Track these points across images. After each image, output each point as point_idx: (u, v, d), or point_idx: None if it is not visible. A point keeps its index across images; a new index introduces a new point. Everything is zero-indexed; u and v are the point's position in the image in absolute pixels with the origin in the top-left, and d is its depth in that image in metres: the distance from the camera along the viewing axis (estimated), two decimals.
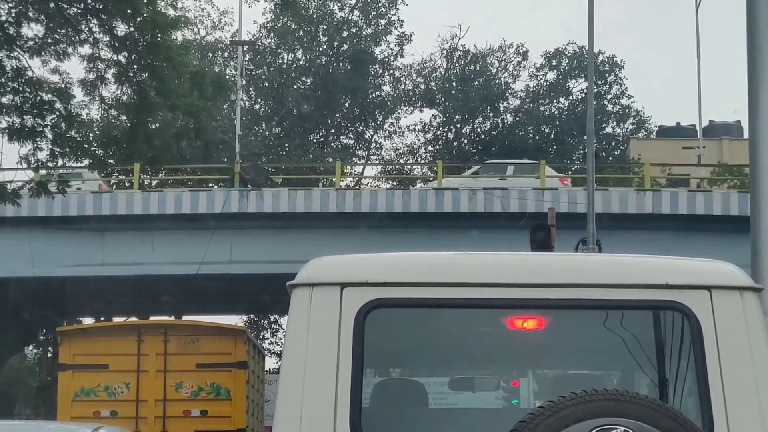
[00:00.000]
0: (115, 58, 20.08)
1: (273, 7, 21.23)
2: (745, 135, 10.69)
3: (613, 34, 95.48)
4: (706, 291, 4.54)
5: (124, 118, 21.72)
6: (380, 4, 62.23)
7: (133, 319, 43.75)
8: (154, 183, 42.87)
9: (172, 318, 37.48)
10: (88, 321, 48.41)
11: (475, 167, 41.80)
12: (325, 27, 61.79)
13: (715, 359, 4.46)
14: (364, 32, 62.58)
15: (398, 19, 62.65)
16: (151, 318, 38.72)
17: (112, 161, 24.24)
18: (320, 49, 62.41)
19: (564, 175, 39.32)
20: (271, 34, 62.40)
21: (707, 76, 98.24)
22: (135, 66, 19.93)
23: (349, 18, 61.93)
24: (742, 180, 36.28)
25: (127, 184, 37.48)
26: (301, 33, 61.72)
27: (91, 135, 22.12)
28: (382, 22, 62.68)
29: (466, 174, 40.01)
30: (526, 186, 34.71)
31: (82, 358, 21.02)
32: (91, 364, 20.96)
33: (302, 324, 4.56)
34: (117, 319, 45.25)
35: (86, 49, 20.21)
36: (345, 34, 62.18)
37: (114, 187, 37.93)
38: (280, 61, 62.98)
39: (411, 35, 63.38)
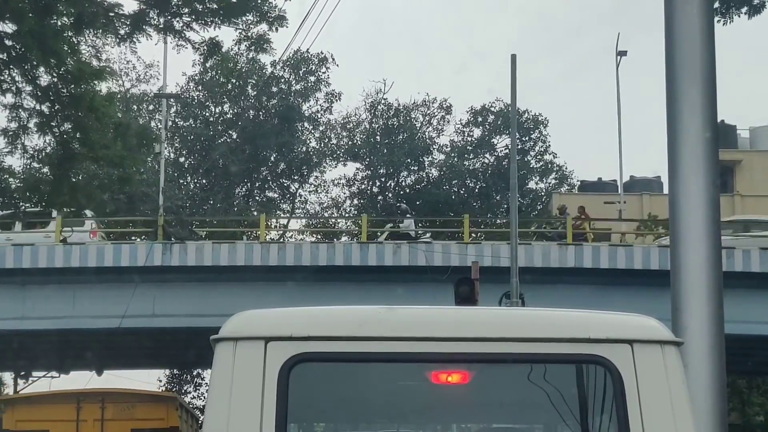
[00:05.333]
0: (38, 107, 19.91)
1: (200, 58, 21.21)
2: (665, 190, 10.87)
3: (538, 93, 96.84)
4: (627, 345, 4.58)
5: (46, 170, 21.51)
6: (310, 62, 62.52)
7: (54, 373, 43.18)
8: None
9: (95, 370, 37.68)
10: (7, 375, 47.55)
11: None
12: (254, 81, 61.87)
13: (637, 412, 4.50)
14: (293, 88, 62.76)
15: (327, 77, 63.03)
16: (72, 372, 38.45)
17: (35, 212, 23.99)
18: (248, 103, 62.43)
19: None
20: (199, 87, 62.33)
21: (628, 132, 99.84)
22: (58, 116, 19.77)
23: (279, 74, 62.09)
24: (667, 233, 36.72)
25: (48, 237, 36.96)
26: (229, 86, 61.73)
27: (13, 185, 21.89)
28: (312, 79, 62.94)
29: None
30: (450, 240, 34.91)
31: (24, 424, 22.69)
32: (33, 430, 22.60)
33: (226, 378, 4.53)
34: (37, 374, 44.54)
35: (8, 98, 20.03)
36: (274, 89, 62.29)
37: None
38: (207, 114, 62.88)
39: (339, 94, 63.78)
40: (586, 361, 4.67)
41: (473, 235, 41.67)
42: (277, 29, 20.22)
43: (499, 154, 65.60)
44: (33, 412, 22.98)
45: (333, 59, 63.01)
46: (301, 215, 64.67)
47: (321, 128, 64.82)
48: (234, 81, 61.01)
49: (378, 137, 65.59)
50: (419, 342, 4.61)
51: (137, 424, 22.88)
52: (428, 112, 66.34)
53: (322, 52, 62.27)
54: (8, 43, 19.37)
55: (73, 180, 21.16)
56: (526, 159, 64.31)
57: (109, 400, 23.15)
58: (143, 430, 22.87)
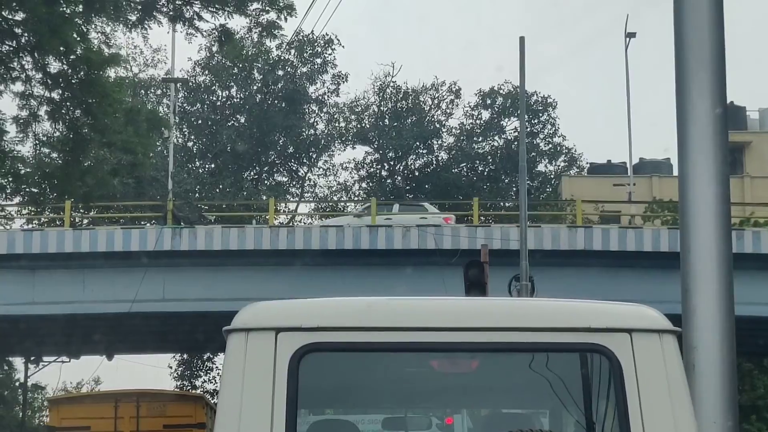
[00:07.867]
0: (48, 95, 19.97)
1: (209, 44, 21.36)
2: (675, 172, 10.90)
3: (546, 73, 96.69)
4: (626, 334, 4.68)
5: (55, 155, 21.57)
6: (316, 44, 62.44)
7: (64, 358, 43.42)
8: (85, 221, 42.53)
9: (105, 354, 38.55)
10: (17, 360, 47.79)
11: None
12: (260, 65, 61.83)
13: (636, 399, 4.60)
14: (299, 71, 62.72)
15: (333, 59, 62.96)
16: (82, 356, 39.00)
17: (44, 198, 24.11)
18: (255, 86, 62.41)
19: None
20: (206, 72, 62.34)
21: (637, 114, 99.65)
22: (68, 103, 19.84)
23: (284, 57, 62.04)
24: (675, 216, 36.74)
25: (57, 222, 37.15)
26: (235, 70, 61.71)
27: (22, 171, 21.95)
28: (318, 61, 62.87)
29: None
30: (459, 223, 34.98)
31: (68, 421, 25.28)
32: (76, 426, 25.08)
33: (238, 369, 4.65)
34: (47, 358, 44.87)
35: (18, 87, 20.09)
36: (280, 72, 62.25)
37: (45, 225, 37.62)
38: (215, 98, 62.89)
39: (346, 75, 63.72)
40: (587, 350, 4.77)
41: (482, 218, 41.80)
42: (286, 18, 20.30)
43: (509, 137, 65.56)
44: (75, 411, 25.52)
45: (338, 41, 62.99)
46: (310, 199, 64.78)
47: (329, 111, 64.84)
48: (240, 65, 60.95)
49: (386, 120, 65.56)
50: (424, 332, 4.71)
51: (168, 420, 25.40)
52: (437, 95, 66.32)
53: (326, 34, 62.23)
54: (17, 31, 19.42)
55: (84, 165, 21.23)
56: (535, 142, 64.27)
57: (144, 399, 25.65)
58: (174, 426, 25.32)
